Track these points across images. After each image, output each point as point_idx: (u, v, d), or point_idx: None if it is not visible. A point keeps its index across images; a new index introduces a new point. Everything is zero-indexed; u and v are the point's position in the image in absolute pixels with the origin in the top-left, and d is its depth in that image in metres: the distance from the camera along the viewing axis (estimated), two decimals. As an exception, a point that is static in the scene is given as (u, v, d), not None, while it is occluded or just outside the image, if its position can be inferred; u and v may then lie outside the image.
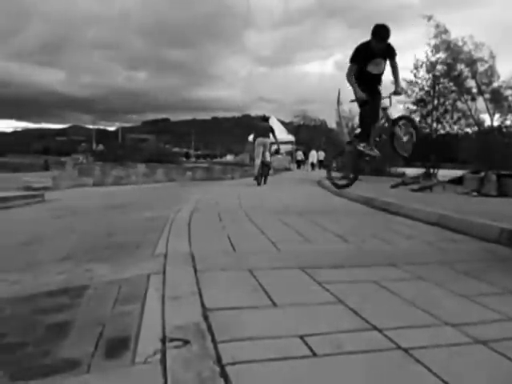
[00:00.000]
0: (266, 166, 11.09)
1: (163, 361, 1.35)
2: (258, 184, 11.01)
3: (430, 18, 12.47)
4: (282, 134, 30.06)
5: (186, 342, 1.47)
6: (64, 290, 2.26)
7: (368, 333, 1.61)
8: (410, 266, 2.61)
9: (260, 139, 11.10)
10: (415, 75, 13.04)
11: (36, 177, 13.44)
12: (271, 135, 11.45)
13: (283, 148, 31.75)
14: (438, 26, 12.47)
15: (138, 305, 1.91)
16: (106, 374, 1.34)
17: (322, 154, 33.34)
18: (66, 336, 1.67)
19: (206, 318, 1.70)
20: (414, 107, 13.25)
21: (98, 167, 14.00)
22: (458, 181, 10.94)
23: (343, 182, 7.56)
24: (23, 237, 3.63)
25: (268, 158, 11.30)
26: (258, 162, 10.93)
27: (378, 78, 6.25)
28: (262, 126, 11.49)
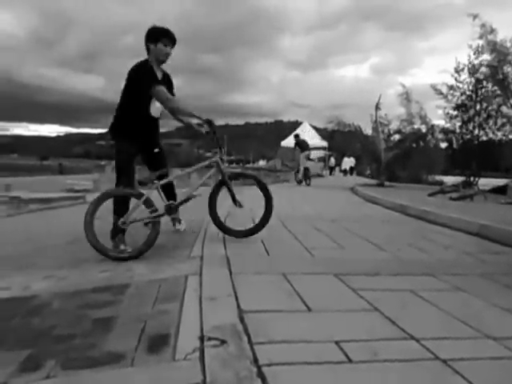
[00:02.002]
0: (308, 171, 14.94)
1: (202, 358, 1.40)
2: (300, 183, 14.83)
3: (475, 17, 11.92)
4: (314, 139, 29.86)
5: (223, 342, 1.52)
6: (107, 287, 2.37)
7: (405, 342, 1.60)
8: (448, 277, 2.57)
9: (306, 152, 15.10)
10: (456, 79, 12.62)
11: (78, 179, 13.89)
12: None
13: (315, 154, 31.56)
14: (483, 25, 11.93)
15: (177, 304, 1.98)
16: (148, 369, 1.40)
17: (353, 161, 32.97)
18: (110, 330, 1.75)
19: (242, 319, 1.74)
20: (455, 112, 12.83)
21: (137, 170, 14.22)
22: (500, 190, 10.54)
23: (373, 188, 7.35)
24: (69, 237, 3.80)
25: (307, 165, 15.19)
26: (302, 168, 14.81)
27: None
28: (305, 143, 15.55)
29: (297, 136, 16.67)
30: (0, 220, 5.89)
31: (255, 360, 1.39)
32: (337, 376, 1.32)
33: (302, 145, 15.44)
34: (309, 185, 14.49)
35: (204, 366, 1.35)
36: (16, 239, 4.16)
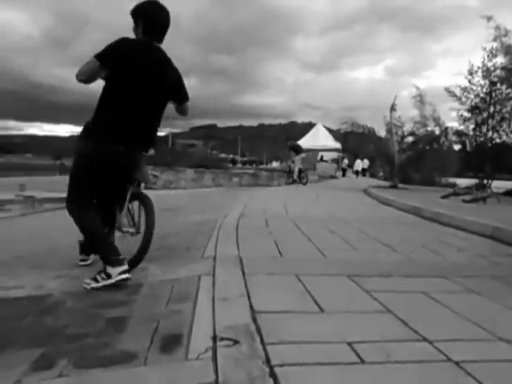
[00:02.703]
0: (302, 172, 16.21)
1: (214, 358, 1.41)
2: (293, 183, 15.98)
3: (489, 19, 11.81)
4: (327, 140, 29.76)
5: (236, 342, 1.52)
6: (120, 287, 2.39)
7: (417, 343, 1.59)
8: (461, 279, 2.55)
9: (302, 155, 16.88)
10: (470, 81, 12.51)
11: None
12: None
13: (329, 155, 31.45)
14: (497, 27, 11.82)
15: (190, 304, 1.99)
16: (161, 368, 1.41)
17: (366, 163, 32.88)
18: (123, 330, 1.77)
19: (254, 319, 1.75)
20: (469, 115, 12.70)
21: (148, 171, 14.36)
22: (514, 192, 10.39)
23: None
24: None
25: (301, 166, 16.54)
26: (296, 169, 16.11)
27: None
28: (299, 146, 17.34)
29: (289, 139, 19.26)
30: (14, 219, 5.99)
31: (267, 360, 1.40)
32: (349, 377, 1.32)
33: (296, 148, 17.06)
34: (305, 184, 15.77)
35: (216, 366, 1.35)
36: (30, 238, 4.23)
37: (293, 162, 16.68)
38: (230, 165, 28.48)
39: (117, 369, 1.41)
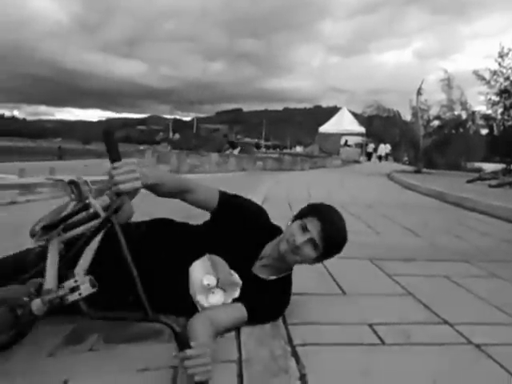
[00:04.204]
0: None
1: (238, 337, 1.45)
2: None
3: None
4: (352, 125, 29.35)
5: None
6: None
7: (438, 326, 1.61)
8: (484, 264, 2.53)
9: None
10: (500, 64, 12.09)
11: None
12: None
13: (353, 140, 31.03)
14: None
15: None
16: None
17: (388, 147, 32.36)
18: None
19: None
20: (497, 98, 12.32)
21: (174, 155, 14.61)
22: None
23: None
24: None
25: None
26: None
27: None
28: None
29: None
30: (44, 202, 6.17)
31: (289, 340, 1.43)
32: (369, 357, 1.34)
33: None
34: None
35: (240, 344, 1.39)
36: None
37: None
38: (255, 149, 28.44)
39: (143, 344, 1.46)
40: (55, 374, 1.21)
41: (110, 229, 1.22)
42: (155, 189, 1.37)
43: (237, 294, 1.51)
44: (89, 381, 1.19)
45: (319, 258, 1.59)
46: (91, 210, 1.21)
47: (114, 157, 1.18)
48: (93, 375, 1.21)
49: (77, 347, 1.41)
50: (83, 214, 1.23)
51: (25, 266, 1.35)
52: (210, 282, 1.49)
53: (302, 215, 1.61)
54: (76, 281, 1.14)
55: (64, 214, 1.24)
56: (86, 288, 1.13)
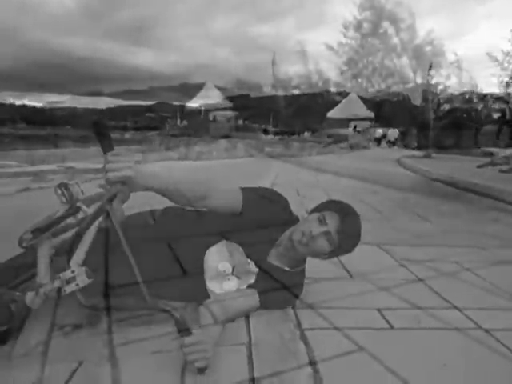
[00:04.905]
0: None
1: (247, 320, 1.47)
2: None
3: None
4: (361, 110, 29.09)
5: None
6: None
7: (447, 311, 1.61)
8: (495, 249, 2.52)
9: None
10: (513, 44, 11.89)
11: (127, 151, 14.33)
12: None
13: (362, 125, 30.77)
14: None
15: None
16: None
17: (396, 132, 32.09)
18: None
19: (286, 285, 1.80)
20: (511, 80, 12.13)
21: (182, 142, 14.69)
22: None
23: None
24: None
25: None
26: None
27: None
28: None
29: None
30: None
31: (298, 324, 1.45)
32: (377, 341, 1.36)
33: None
34: None
35: (249, 328, 1.41)
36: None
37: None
38: (263, 135, 28.37)
39: (153, 327, 1.48)
40: (71, 355, 1.23)
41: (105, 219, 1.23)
42: (164, 194, 1.37)
43: (252, 281, 1.53)
44: (103, 362, 1.21)
45: (330, 254, 1.59)
46: (80, 216, 1.22)
47: (106, 147, 1.22)
48: (107, 358, 1.24)
49: (91, 330, 1.44)
50: (72, 219, 1.22)
51: (16, 273, 1.30)
52: (225, 268, 1.50)
53: (321, 209, 1.60)
54: (73, 271, 1.15)
55: (55, 217, 1.23)
56: (82, 279, 1.15)
